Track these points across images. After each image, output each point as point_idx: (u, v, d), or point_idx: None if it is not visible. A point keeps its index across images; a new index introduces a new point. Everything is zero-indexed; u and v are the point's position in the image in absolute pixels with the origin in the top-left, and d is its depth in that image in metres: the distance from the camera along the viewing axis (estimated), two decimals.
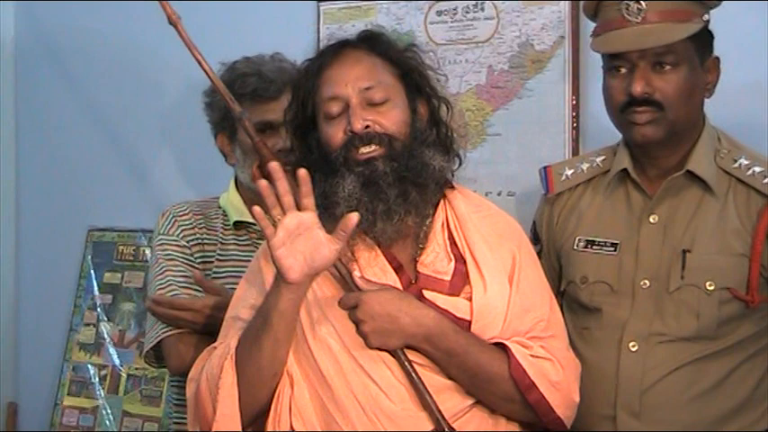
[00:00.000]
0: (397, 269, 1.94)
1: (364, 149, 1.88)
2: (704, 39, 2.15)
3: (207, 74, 2.02)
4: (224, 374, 1.84)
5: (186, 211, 2.46)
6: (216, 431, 1.85)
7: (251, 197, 2.42)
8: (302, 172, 1.78)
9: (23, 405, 3.58)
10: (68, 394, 2.81)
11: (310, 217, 1.78)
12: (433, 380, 1.87)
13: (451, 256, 1.96)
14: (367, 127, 1.88)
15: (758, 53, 2.53)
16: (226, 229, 2.46)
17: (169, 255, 2.40)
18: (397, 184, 1.88)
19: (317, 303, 1.90)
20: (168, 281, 2.36)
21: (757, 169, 2.14)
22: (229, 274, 2.41)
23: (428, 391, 1.84)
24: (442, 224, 1.99)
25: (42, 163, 3.59)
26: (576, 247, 2.25)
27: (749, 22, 2.52)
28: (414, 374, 1.85)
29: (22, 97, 3.63)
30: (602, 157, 2.31)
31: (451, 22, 2.91)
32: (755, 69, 2.53)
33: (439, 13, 2.93)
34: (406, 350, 1.87)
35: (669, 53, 2.09)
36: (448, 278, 1.94)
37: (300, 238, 1.77)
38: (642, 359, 2.11)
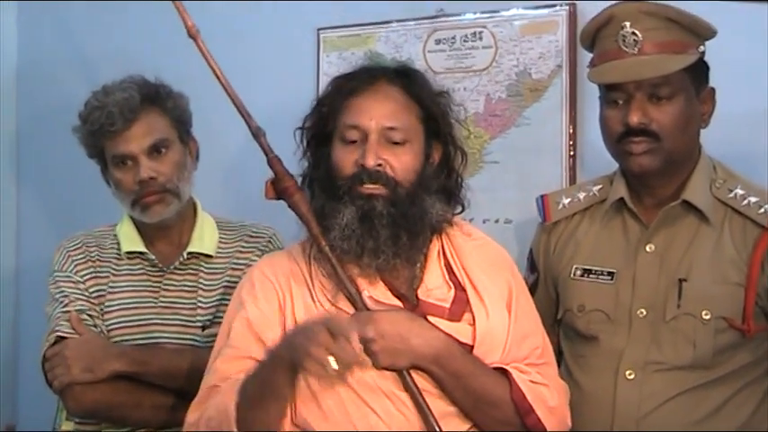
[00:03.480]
0: (399, 296, 1.95)
1: (369, 186, 1.90)
2: (700, 70, 2.17)
3: (224, 87, 2.01)
4: None
5: (79, 245, 2.45)
6: None
7: (143, 226, 2.44)
8: None
9: (22, 428, 3.57)
10: (67, 419, 2.79)
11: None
12: (436, 405, 1.87)
13: (450, 284, 1.98)
14: (379, 165, 1.90)
15: (756, 83, 2.53)
16: (119, 259, 2.44)
17: (63, 292, 2.39)
18: (390, 227, 1.89)
19: None
20: (63, 322, 2.35)
21: (753, 199, 2.15)
22: (121, 306, 2.40)
23: (432, 414, 1.85)
24: (438, 253, 2.00)
25: (44, 181, 3.61)
26: (572, 276, 2.27)
27: (747, 52, 2.52)
28: (419, 396, 1.85)
29: (23, 109, 3.65)
30: (599, 186, 2.33)
31: (450, 50, 2.93)
32: (753, 99, 2.53)
33: (438, 41, 2.94)
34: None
35: (665, 84, 2.10)
36: (448, 305, 1.95)
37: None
38: (639, 387, 2.12)
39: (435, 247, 2.00)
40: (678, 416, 2.10)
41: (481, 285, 1.97)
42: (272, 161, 2.01)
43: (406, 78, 1.99)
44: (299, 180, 2.01)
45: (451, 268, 2.00)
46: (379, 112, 1.92)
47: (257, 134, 2.03)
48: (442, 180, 2.00)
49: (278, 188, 2.00)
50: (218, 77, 2.02)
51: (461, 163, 2.05)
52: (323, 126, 1.99)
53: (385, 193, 1.90)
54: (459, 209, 2.05)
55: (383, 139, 1.92)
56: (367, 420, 1.85)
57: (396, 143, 1.92)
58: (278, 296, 1.95)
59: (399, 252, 1.91)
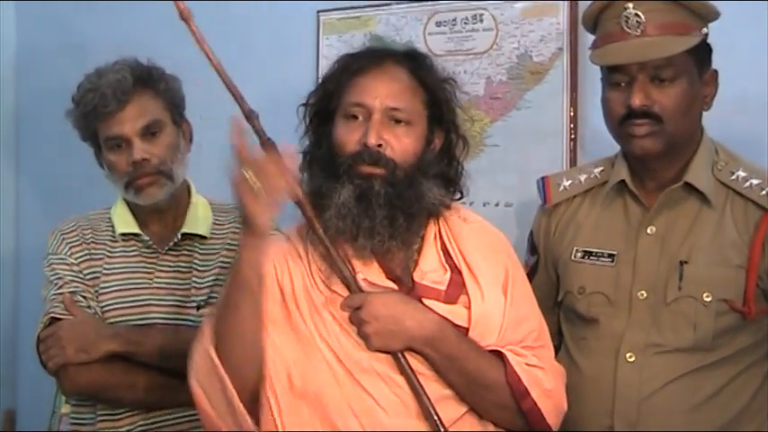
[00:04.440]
0: (394, 279, 1.95)
1: (368, 167, 1.89)
2: (703, 52, 2.17)
3: (216, 70, 1.97)
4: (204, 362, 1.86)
5: (73, 228, 2.45)
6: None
7: (137, 208, 2.44)
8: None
9: (21, 412, 3.58)
10: (66, 402, 2.80)
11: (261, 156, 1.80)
12: (432, 388, 1.87)
13: (446, 266, 1.97)
14: (380, 145, 1.89)
15: (756, 66, 2.53)
16: (114, 241, 2.44)
17: (57, 274, 2.40)
18: (386, 207, 1.89)
19: (309, 314, 1.91)
20: (57, 304, 2.36)
21: (755, 181, 2.15)
22: (116, 287, 2.40)
23: (428, 396, 1.85)
24: (435, 236, 2.00)
25: (43, 167, 3.61)
26: (573, 258, 2.26)
27: (747, 35, 2.52)
28: (414, 379, 1.85)
29: (22, 94, 3.65)
30: (600, 169, 2.32)
31: (450, 32, 2.92)
32: (753, 82, 2.54)
33: (438, 23, 2.94)
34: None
35: (668, 66, 2.10)
36: (443, 288, 1.95)
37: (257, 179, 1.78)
38: (639, 370, 2.12)
39: (432, 230, 2.00)
40: (678, 398, 2.10)
41: (477, 268, 1.96)
42: (265, 144, 2.00)
43: (413, 62, 1.99)
44: (300, 158, 2.00)
45: (448, 251, 1.99)
46: (383, 91, 1.92)
47: (249, 117, 2.00)
48: (442, 167, 2.00)
49: None
50: (210, 60, 2.00)
51: (463, 151, 2.04)
52: (327, 103, 1.98)
53: (383, 174, 1.89)
54: (458, 196, 2.05)
55: (386, 119, 1.91)
56: (363, 402, 1.85)
57: (398, 122, 1.92)
58: (276, 272, 1.95)
59: (395, 234, 1.90)
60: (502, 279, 1.98)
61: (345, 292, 1.91)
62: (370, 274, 1.93)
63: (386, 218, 1.89)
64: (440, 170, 1.99)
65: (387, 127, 1.91)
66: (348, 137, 1.92)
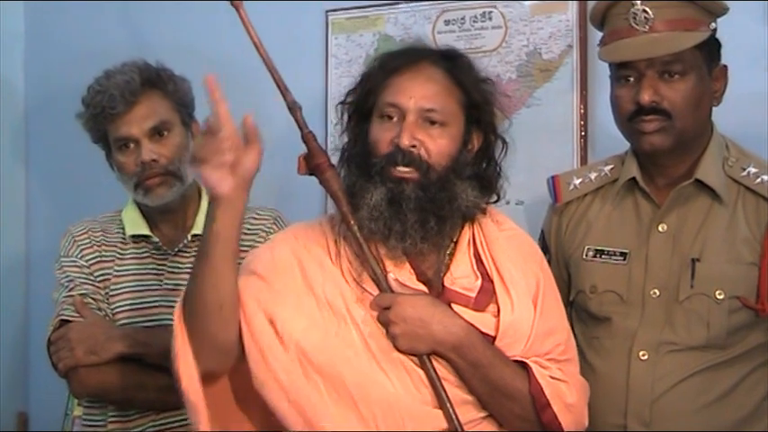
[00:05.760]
0: (424, 282, 1.94)
1: (401, 169, 1.88)
2: (712, 47, 2.16)
3: (263, 58, 1.96)
4: (176, 332, 1.86)
5: (84, 230, 2.48)
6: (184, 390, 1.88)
7: (147, 210, 2.45)
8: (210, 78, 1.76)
9: (34, 415, 3.59)
10: (79, 404, 2.81)
11: (228, 129, 1.75)
12: (454, 393, 1.87)
13: (478, 273, 1.96)
14: (413, 146, 1.88)
15: (761, 62, 2.52)
16: (124, 243, 2.46)
17: (68, 276, 2.41)
18: (418, 211, 1.88)
19: (344, 303, 1.90)
20: (67, 306, 2.37)
21: (766, 177, 2.14)
22: (126, 289, 2.42)
23: (449, 399, 1.84)
24: (469, 242, 1.99)
25: (52, 169, 3.61)
26: (584, 257, 2.26)
27: (753, 30, 2.51)
28: (437, 382, 1.85)
29: (31, 95, 3.66)
30: (611, 166, 2.31)
31: (459, 31, 2.91)
32: (758, 78, 2.52)
33: (447, 22, 2.93)
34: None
35: (677, 62, 2.09)
36: (473, 295, 1.94)
37: (222, 150, 1.75)
38: (652, 368, 2.11)
39: (466, 235, 1.99)
40: (692, 396, 2.09)
41: (509, 277, 1.95)
42: (307, 136, 1.98)
43: (450, 62, 1.97)
44: (338, 155, 2.00)
45: (480, 258, 1.98)
46: (419, 92, 1.91)
47: (293, 108, 1.98)
48: (479, 168, 1.98)
49: (310, 164, 1.97)
50: (257, 48, 1.96)
51: (502, 152, 2.02)
52: (364, 102, 1.97)
53: (416, 177, 1.88)
54: (495, 198, 2.03)
55: (421, 120, 1.90)
56: (385, 388, 1.84)
57: (433, 123, 1.90)
58: (295, 254, 1.94)
59: (427, 236, 1.89)
60: (533, 290, 1.97)
61: (376, 291, 1.91)
62: (401, 274, 1.93)
63: (417, 221, 1.88)
64: (475, 171, 1.97)
65: (421, 128, 1.90)
66: (382, 137, 1.91)
